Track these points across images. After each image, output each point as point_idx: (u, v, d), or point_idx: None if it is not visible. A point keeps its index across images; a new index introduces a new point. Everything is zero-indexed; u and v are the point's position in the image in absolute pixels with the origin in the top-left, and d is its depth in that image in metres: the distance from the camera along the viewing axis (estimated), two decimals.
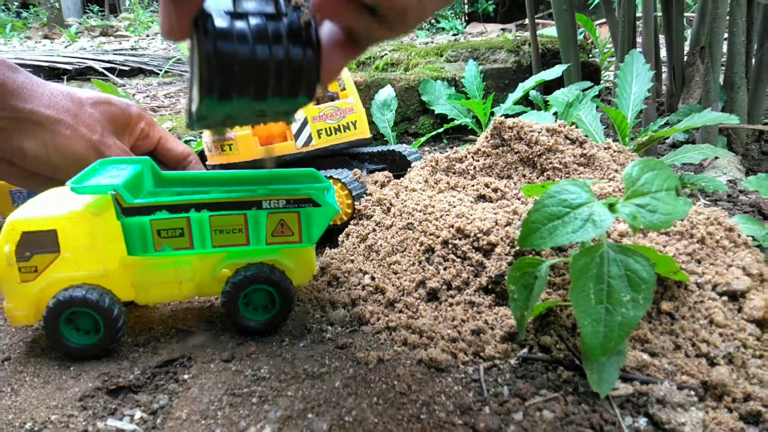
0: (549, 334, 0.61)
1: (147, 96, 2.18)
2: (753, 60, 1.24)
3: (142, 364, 0.61)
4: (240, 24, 0.39)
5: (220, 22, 0.39)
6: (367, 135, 0.98)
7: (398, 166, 1.01)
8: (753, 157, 1.23)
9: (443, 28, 4.33)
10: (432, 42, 3.43)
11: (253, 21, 0.39)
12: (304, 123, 0.92)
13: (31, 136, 0.73)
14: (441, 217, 0.74)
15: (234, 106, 0.42)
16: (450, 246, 0.71)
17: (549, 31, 2.05)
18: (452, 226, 0.72)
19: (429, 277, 0.70)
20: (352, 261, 0.77)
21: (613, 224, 0.67)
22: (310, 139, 0.93)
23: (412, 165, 0.99)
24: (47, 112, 0.73)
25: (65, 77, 2.46)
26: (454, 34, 3.99)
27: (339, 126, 0.94)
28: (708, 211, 0.71)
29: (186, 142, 1.18)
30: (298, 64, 0.40)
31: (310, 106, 0.92)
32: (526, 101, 1.50)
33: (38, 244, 0.60)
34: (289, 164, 0.90)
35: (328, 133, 0.94)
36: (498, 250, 0.68)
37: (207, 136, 0.97)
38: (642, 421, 0.51)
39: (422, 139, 1.36)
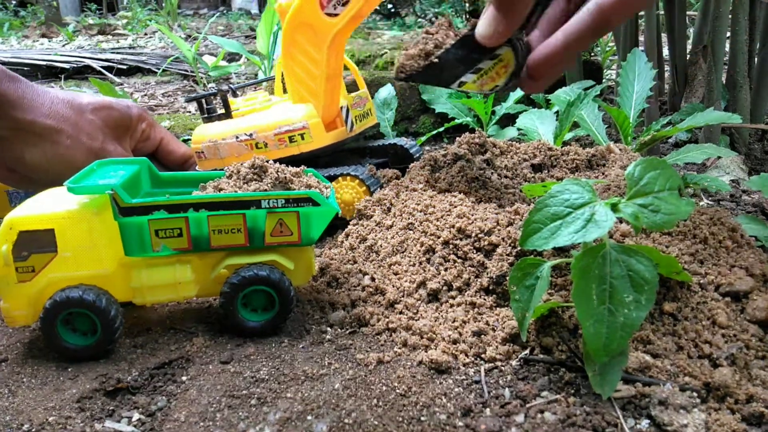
0: (551, 336, 0.60)
1: (145, 95, 2.17)
2: (755, 59, 1.23)
3: (140, 366, 0.60)
4: None
5: None
6: (376, 121, 1.03)
7: (400, 159, 1.01)
8: (756, 156, 1.23)
9: None
10: None
11: None
12: (347, 110, 0.95)
13: (32, 147, 0.73)
14: (442, 217, 0.74)
15: None
16: (451, 246, 0.70)
17: None
18: (453, 226, 0.71)
19: (429, 278, 0.69)
20: (352, 261, 0.76)
21: (616, 224, 0.67)
22: (352, 125, 0.96)
23: (415, 158, 0.98)
24: (48, 122, 0.73)
25: (63, 76, 2.46)
26: None
27: (363, 113, 0.99)
28: (711, 211, 0.71)
29: (185, 141, 1.18)
30: None
31: (345, 94, 0.96)
32: (527, 100, 1.49)
33: (36, 244, 0.60)
34: (315, 158, 0.90)
35: (359, 119, 0.98)
36: (499, 250, 0.68)
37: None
38: (644, 423, 0.51)
39: (423, 139, 1.35)
